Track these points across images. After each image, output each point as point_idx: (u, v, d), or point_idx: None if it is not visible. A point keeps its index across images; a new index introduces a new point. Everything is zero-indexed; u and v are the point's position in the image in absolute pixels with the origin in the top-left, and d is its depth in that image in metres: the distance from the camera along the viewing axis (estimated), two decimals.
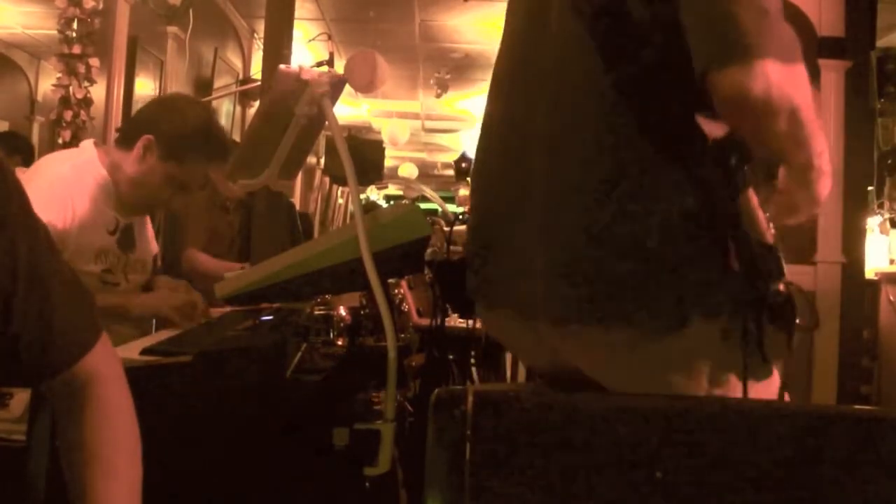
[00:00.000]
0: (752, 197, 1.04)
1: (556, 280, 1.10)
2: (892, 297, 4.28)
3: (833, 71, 4.04)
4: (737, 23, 0.97)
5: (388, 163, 8.80)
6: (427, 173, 11.83)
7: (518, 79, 1.24)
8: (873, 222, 4.92)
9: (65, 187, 1.84)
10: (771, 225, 1.08)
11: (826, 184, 1.09)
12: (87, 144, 2.03)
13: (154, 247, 2.19)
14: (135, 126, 2.04)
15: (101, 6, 4.06)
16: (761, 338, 1.02)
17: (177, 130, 1.94)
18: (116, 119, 4.41)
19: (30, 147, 5.18)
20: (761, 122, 1.00)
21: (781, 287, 1.01)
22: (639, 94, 1.07)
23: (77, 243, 1.85)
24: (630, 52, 1.07)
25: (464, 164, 7.59)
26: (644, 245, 1.04)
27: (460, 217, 1.68)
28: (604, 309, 1.06)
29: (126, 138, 1.99)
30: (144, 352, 1.40)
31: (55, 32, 4.05)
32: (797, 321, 1.02)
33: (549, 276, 1.11)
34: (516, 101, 1.23)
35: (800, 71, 0.99)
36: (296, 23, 4.51)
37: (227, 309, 2.02)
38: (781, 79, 0.96)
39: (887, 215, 4.91)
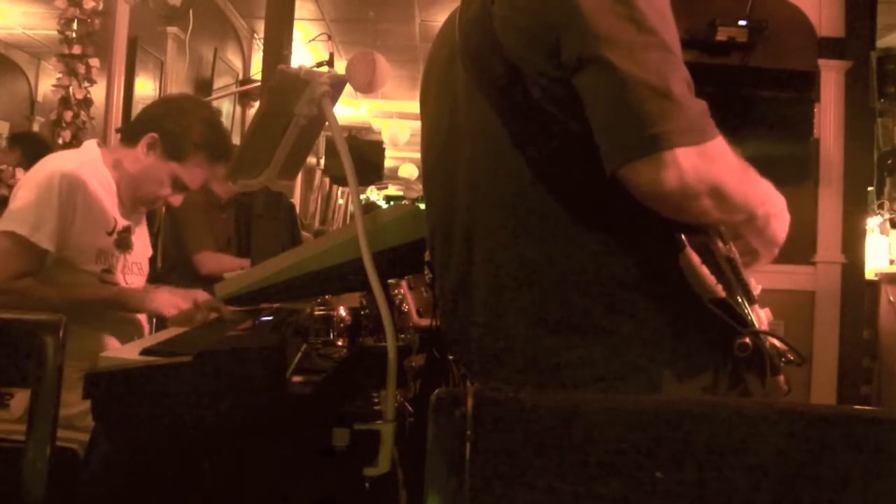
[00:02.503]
0: (692, 255, 0.98)
1: (515, 374, 1.08)
2: (892, 297, 4.28)
3: (833, 71, 4.05)
4: (638, 113, 0.92)
5: (388, 163, 8.80)
6: None
7: (440, 171, 1.23)
8: (873, 222, 4.92)
9: (68, 186, 1.84)
10: (734, 270, 1.03)
11: (778, 223, 1.06)
12: (91, 144, 2.03)
13: (149, 249, 2.19)
14: (140, 123, 2.04)
15: (101, 6, 4.07)
16: (746, 390, 1.00)
17: (181, 131, 1.94)
18: (116, 119, 4.42)
19: (47, 151, 5.18)
20: (684, 205, 0.96)
21: (747, 339, 0.98)
22: (555, 169, 1.03)
23: (78, 242, 1.85)
24: (537, 129, 1.04)
25: None
26: (596, 322, 1.02)
27: None
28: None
29: (130, 135, 2.00)
30: (144, 352, 1.40)
31: (55, 32, 4.06)
32: (790, 357, 1.00)
33: (509, 371, 1.09)
34: (444, 195, 1.21)
35: (714, 144, 0.95)
36: (296, 23, 4.52)
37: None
38: (695, 162, 0.92)
39: (887, 215, 4.92)
